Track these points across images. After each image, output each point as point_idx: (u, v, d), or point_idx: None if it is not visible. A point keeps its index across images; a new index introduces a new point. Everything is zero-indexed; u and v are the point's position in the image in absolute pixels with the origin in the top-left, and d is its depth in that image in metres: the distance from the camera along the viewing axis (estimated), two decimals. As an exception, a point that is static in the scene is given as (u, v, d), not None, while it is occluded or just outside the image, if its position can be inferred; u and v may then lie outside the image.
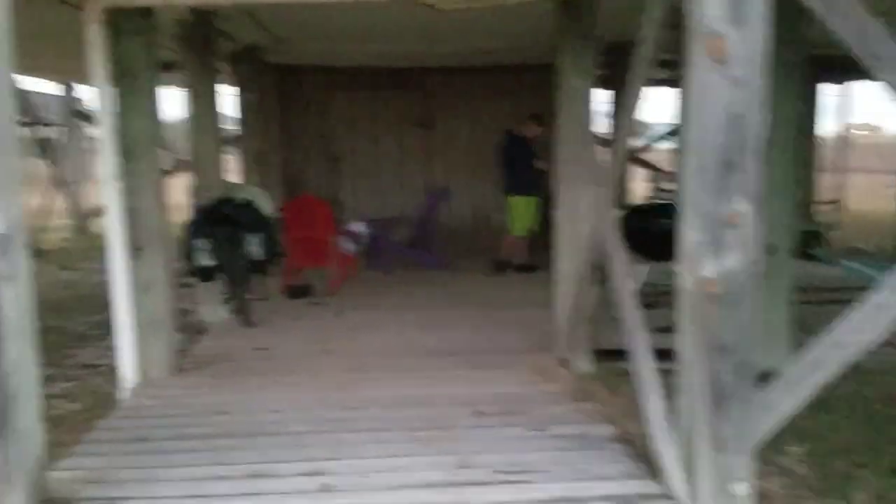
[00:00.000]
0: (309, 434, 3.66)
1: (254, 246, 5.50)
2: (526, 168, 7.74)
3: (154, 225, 4.40)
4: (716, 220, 2.86)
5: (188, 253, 5.39)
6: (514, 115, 9.61)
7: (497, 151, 8.01)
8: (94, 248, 9.15)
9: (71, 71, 10.14)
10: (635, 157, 10.89)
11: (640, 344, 3.48)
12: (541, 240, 7.93)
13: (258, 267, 5.60)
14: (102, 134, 4.22)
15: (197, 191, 5.93)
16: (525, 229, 7.84)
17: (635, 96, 3.74)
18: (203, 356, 5.00)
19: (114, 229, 4.27)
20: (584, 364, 4.77)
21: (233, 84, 7.81)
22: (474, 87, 9.88)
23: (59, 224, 13.37)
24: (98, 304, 5.44)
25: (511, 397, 4.19)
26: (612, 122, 8.63)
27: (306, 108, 9.71)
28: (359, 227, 7.43)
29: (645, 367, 3.42)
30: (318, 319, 5.99)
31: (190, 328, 5.93)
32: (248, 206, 5.74)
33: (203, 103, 5.87)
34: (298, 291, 6.78)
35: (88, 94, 12.73)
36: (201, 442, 3.55)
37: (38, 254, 10.33)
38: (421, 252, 8.39)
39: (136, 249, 4.33)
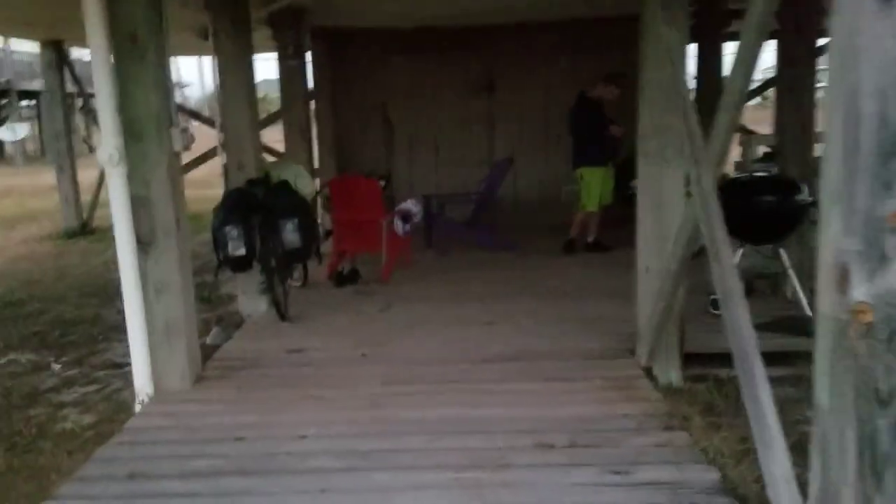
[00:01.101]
0: (334, 473, 3.03)
1: (289, 233, 4.89)
2: (598, 135, 6.85)
3: (167, 217, 3.82)
4: (873, 221, 2.00)
5: (219, 242, 4.84)
6: (591, 77, 8.70)
7: (568, 117, 7.12)
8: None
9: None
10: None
11: (749, 353, 2.67)
12: (615, 214, 7.10)
13: (295, 255, 5.00)
14: (101, 110, 3.64)
15: (230, 171, 5.36)
16: (597, 204, 6.98)
17: (753, 51, 2.85)
18: (230, 360, 4.45)
19: (119, 222, 3.72)
20: (674, 375, 3.98)
21: (275, 50, 7.19)
22: (545, 45, 8.95)
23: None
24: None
25: (584, 422, 3.45)
26: (697, 81, 7.57)
27: (357, 75, 9.03)
28: (411, 205, 6.73)
29: (758, 388, 2.61)
30: (363, 314, 5.36)
31: (228, 321, 5.43)
32: (283, 187, 5.13)
33: (235, 71, 5.25)
34: (345, 278, 6.18)
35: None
36: (206, 482, 2.97)
37: (87, 231, 10.17)
38: (481, 231, 7.64)
39: (145, 245, 3.77)
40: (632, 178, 7.33)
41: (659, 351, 4.04)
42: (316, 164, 8.25)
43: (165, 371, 3.89)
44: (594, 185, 6.93)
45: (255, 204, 4.93)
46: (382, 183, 7.84)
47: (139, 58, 3.67)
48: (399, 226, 6.64)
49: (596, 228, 7.12)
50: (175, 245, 3.85)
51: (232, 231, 4.80)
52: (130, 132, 3.70)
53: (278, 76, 7.08)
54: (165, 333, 3.87)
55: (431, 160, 9.20)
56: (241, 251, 4.83)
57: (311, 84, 8.17)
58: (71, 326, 5.73)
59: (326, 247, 6.71)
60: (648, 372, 4.05)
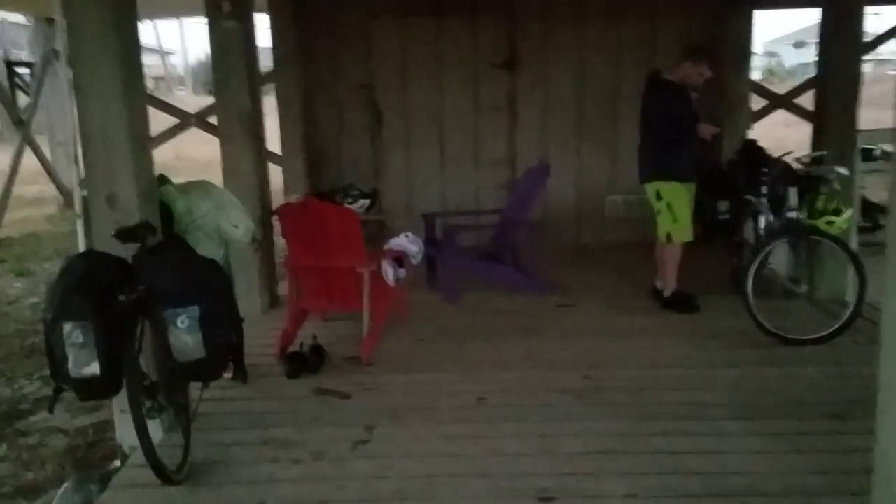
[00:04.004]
0: None
1: (181, 333, 2.66)
2: (686, 136, 4.62)
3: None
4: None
5: (53, 350, 2.62)
6: (651, 51, 6.47)
7: (643, 108, 4.85)
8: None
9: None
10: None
11: None
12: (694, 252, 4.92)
13: (193, 371, 2.76)
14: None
15: (92, 210, 3.12)
16: (690, 232, 4.77)
17: None
18: None
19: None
20: None
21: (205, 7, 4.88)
22: (585, 7, 6.66)
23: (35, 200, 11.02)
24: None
25: None
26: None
27: (333, 48, 6.71)
28: (407, 242, 4.50)
29: None
30: (323, 452, 3.11)
31: (96, 461, 3.25)
32: (174, 246, 2.91)
33: (97, 39, 2.99)
34: (301, 363, 3.95)
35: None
36: None
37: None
38: (509, 269, 5.40)
39: None
40: (720, 197, 5.16)
41: None
42: (275, 175, 6.00)
43: None
44: (681, 205, 4.70)
45: (120, 280, 2.71)
46: (365, 204, 5.61)
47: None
48: (390, 273, 4.40)
49: (677, 273, 4.89)
50: None
51: (75, 333, 2.58)
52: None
53: (209, 44, 4.79)
54: None
55: (434, 162, 6.91)
56: (94, 369, 2.61)
57: (266, 60, 5.90)
58: None
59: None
60: None
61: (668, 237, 4.76)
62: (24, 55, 13.93)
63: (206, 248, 3.41)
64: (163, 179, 3.55)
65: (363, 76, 6.77)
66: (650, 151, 4.77)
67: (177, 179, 3.68)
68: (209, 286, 2.76)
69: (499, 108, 6.83)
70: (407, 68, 6.78)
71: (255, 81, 4.93)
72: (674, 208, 4.68)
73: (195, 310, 2.67)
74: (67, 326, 2.57)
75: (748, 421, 3.24)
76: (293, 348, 4.09)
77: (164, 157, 10.38)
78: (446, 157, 6.89)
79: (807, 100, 8.31)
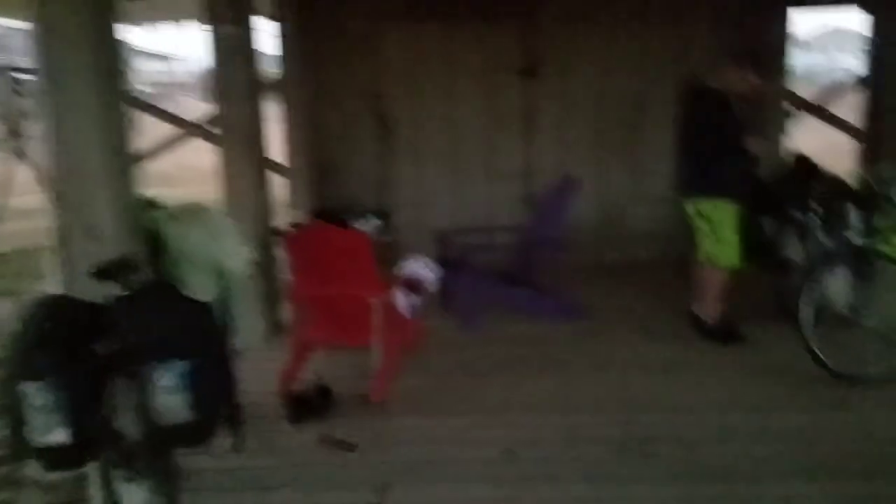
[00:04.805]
0: None
1: (166, 392, 2.24)
2: (732, 149, 4.18)
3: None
4: None
5: (14, 413, 2.21)
6: (677, 58, 6.05)
7: (690, 119, 4.41)
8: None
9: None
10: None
11: None
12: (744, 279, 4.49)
13: (179, 436, 2.35)
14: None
15: (66, 241, 2.72)
16: (737, 257, 4.32)
17: None
18: None
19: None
20: None
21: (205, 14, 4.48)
22: (606, 12, 6.25)
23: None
24: None
25: None
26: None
27: (340, 56, 6.31)
28: (422, 268, 4.08)
29: None
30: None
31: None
32: (159, 292, 2.49)
33: (74, 47, 2.58)
34: (307, 406, 3.53)
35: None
36: None
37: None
38: (531, 292, 4.97)
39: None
40: (765, 214, 4.71)
41: None
42: (281, 188, 5.60)
43: None
44: (727, 226, 4.26)
45: (92, 329, 2.30)
46: (378, 225, 5.20)
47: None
48: (403, 302, 3.98)
49: (720, 302, 4.45)
50: None
51: (36, 394, 2.17)
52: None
53: (212, 52, 4.39)
54: None
55: (447, 176, 6.49)
56: (60, 436, 2.20)
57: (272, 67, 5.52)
58: None
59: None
60: None
61: (710, 261, 4.31)
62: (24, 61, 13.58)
63: (199, 283, 3.00)
64: (149, 204, 3.15)
65: (372, 85, 6.37)
66: (692, 165, 4.33)
67: (177, 191, 3.29)
68: (199, 336, 2.34)
69: (515, 118, 6.41)
70: (418, 77, 6.38)
71: (255, 90, 4.53)
72: (718, 229, 4.24)
73: (181, 365, 2.25)
74: (28, 387, 2.16)
75: (824, 482, 2.80)
76: (297, 388, 3.67)
77: (163, 167, 10.01)
78: (459, 169, 6.47)
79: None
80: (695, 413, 3.47)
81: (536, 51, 6.32)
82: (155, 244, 3.00)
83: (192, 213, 3.23)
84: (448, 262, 5.04)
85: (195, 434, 2.35)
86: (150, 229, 3.01)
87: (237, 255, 3.21)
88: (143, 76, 32.16)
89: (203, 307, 2.47)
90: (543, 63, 6.33)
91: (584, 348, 4.40)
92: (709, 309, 4.46)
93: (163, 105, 9.67)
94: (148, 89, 30.48)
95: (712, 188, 4.23)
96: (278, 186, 6.52)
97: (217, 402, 2.42)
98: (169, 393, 2.24)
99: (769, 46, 6.15)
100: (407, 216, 6.30)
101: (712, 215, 4.24)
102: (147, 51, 30.80)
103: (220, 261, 3.13)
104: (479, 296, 4.91)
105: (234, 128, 4.40)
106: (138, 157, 7.30)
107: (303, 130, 6.16)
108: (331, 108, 6.36)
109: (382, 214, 5.01)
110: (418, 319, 4.15)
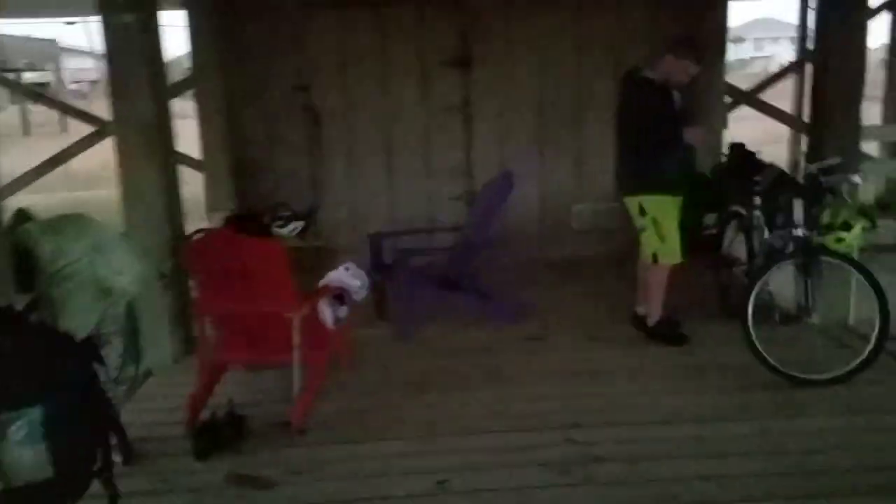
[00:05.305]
0: None
1: (19, 446, 1.86)
2: (672, 142, 3.96)
3: None
4: None
5: None
6: (620, 46, 5.84)
7: (621, 110, 4.17)
8: None
9: None
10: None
11: None
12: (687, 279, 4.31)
13: (35, 496, 1.96)
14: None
15: None
16: (680, 252, 4.12)
17: None
18: None
19: None
20: None
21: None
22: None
23: None
24: None
25: None
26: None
27: (262, 45, 5.89)
28: (348, 276, 3.73)
29: None
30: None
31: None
32: (7, 320, 2.10)
33: None
34: (212, 437, 3.16)
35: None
36: None
37: None
38: (471, 296, 4.68)
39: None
40: (706, 209, 4.54)
41: None
42: (193, 191, 5.16)
43: None
44: (669, 221, 4.04)
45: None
46: (298, 228, 4.82)
47: None
48: (328, 314, 3.64)
49: (664, 301, 4.24)
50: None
51: None
52: None
53: (104, 43, 3.94)
54: None
55: (381, 173, 6.15)
56: None
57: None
58: None
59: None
60: None
61: (654, 258, 4.10)
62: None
63: (81, 306, 2.62)
64: (21, 216, 2.74)
65: (298, 77, 5.96)
66: (631, 160, 4.10)
67: (104, 191, 2.87)
68: (58, 377, 1.97)
69: (452, 111, 6.11)
70: (347, 67, 6.01)
71: (159, 85, 4.09)
72: (661, 225, 4.02)
73: (36, 412, 1.88)
74: None
75: (787, 500, 2.60)
76: (205, 416, 3.29)
77: (87, 166, 9.36)
78: (395, 166, 6.14)
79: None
80: (643, 426, 3.23)
81: (472, 41, 6.02)
82: (27, 262, 2.60)
83: (73, 224, 2.83)
84: (382, 266, 4.74)
85: (58, 493, 1.98)
86: (22, 244, 2.61)
87: (128, 271, 2.82)
88: (69, 74, 30.75)
89: (67, 341, 2.09)
90: (480, 54, 6.05)
91: (527, 356, 4.13)
92: (652, 308, 4.25)
93: (88, 102, 9.04)
94: (73, 87, 29.13)
95: (653, 184, 4.01)
96: (198, 187, 6.11)
97: (85, 454, 2.04)
98: (20, 446, 1.87)
99: (707, 36, 6.01)
100: (339, 217, 5.93)
101: (654, 212, 4.02)
102: (75, 48, 29.42)
103: (106, 279, 2.75)
104: (416, 302, 4.60)
105: (133, 125, 3.96)
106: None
107: (221, 126, 5.73)
108: (252, 101, 5.93)
109: (308, 216, 4.65)
110: (345, 332, 3.82)
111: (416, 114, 6.09)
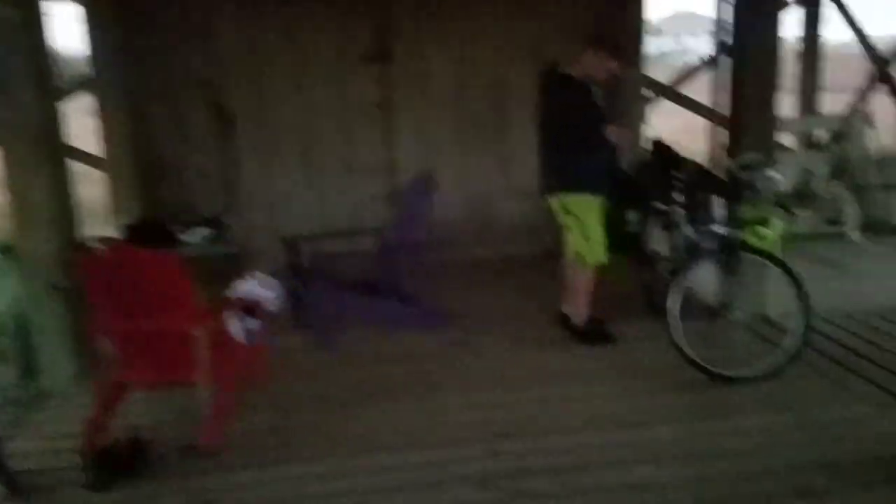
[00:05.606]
0: None
1: None
2: (595, 141, 3.89)
3: None
4: None
5: None
6: (542, 40, 5.77)
7: (543, 108, 4.07)
8: None
9: None
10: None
11: None
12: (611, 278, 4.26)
13: None
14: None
15: None
16: (604, 253, 4.05)
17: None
18: None
19: None
20: None
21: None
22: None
23: None
24: None
25: None
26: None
27: (164, 38, 5.53)
28: (259, 287, 3.50)
29: None
30: None
31: None
32: None
33: None
34: (114, 463, 2.89)
35: None
36: None
37: None
38: (394, 302, 4.50)
39: None
40: (629, 206, 4.52)
41: None
42: (100, 199, 4.80)
43: None
44: (593, 221, 3.98)
45: None
46: (205, 234, 4.53)
47: None
48: (237, 328, 3.40)
49: (589, 301, 4.18)
50: None
51: None
52: None
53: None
54: None
55: (300, 175, 5.88)
56: None
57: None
58: None
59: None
60: None
61: (579, 257, 4.03)
62: None
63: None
64: None
65: (208, 73, 5.64)
66: (554, 159, 4.01)
67: None
68: None
69: (373, 108, 5.90)
70: (260, 61, 5.71)
71: (46, 84, 3.74)
72: (585, 224, 3.95)
73: None
74: None
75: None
76: (104, 442, 3.01)
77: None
78: (313, 166, 5.89)
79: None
80: (573, 433, 3.14)
81: (390, 36, 5.83)
82: None
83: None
84: (300, 272, 4.51)
85: None
86: None
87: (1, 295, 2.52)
88: None
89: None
90: (400, 49, 5.86)
91: (452, 363, 3.99)
92: (578, 309, 4.19)
93: None
94: None
95: (575, 183, 3.93)
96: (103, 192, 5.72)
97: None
98: None
99: (625, 31, 6.01)
100: (254, 221, 5.64)
101: (577, 211, 3.95)
102: None
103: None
104: (336, 309, 4.39)
105: (17, 127, 3.60)
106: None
107: (124, 125, 5.36)
108: (158, 100, 5.58)
109: (217, 222, 4.36)
110: (258, 346, 3.58)
111: (334, 111, 5.85)
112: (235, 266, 4.34)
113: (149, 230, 4.22)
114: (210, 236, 4.25)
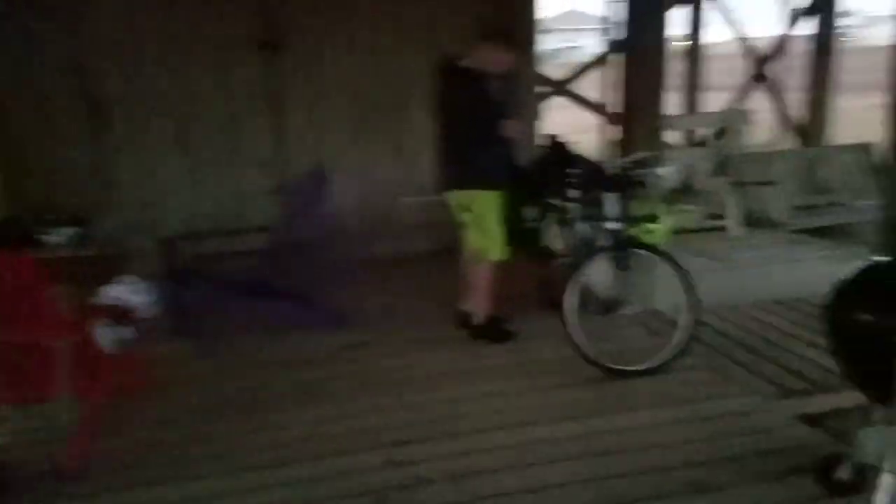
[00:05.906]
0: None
1: None
2: (493, 135, 3.82)
3: None
4: None
5: None
6: (440, 30, 5.66)
7: (442, 102, 3.95)
8: None
9: None
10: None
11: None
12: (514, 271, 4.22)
13: None
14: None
15: None
16: (503, 249, 3.99)
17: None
18: None
19: None
20: None
21: None
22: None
23: None
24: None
25: None
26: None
27: (31, 17, 5.02)
28: (131, 291, 3.20)
29: None
30: None
31: None
32: None
33: None
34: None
35: None
36: None
37: None
38: (284, 302, 4.27)
39: None
40: (525, 202, 4.50)
41: None
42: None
43: None
44: (492, 217, 3.91)
45: None
46: (69, 235, 4.14)
47: None
48: (106, 337, 3.09)
49: (489, 298, 4.11)
50: None
51: None
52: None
53: None
54: None
55: (178, 167, 5.51)
56: None
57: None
58: None
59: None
60: None
61: (479, 254, 3.95)
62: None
63: None
64: None
65: (76, 59, 5.16)
66: (451, 154, 3.91)
67: None
68: None
69: (260, 99, 5.61)
70: (137, 49, 5.30)
71: None
72: (484, 221, 3.88)
73: None
74: None
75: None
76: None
77: None
78: (194, 160, 5.52)
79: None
80: (472, 435, 3.05)
81: (278, 22, 5.56)
82: None
83: None
84: (178, 274, 4.19)
85: None
86: None
87: None
88: None
89: None
90: (289, 37, 5.60)
91: (349, 366, 3.83)
92: (478, 306, 4.12)
93: None
94: None
95: (474, 179, 3.85)
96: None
97: None
98: None
99: (518, 26, 6.00)
100: (130, 220, 5.22)
101: (476, 207, 3.87)
102: None
103: None
104: (220, 312, 4.10)
105: None
106: None
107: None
108: (17, 89, 5.05)
109: (82, 221, 3.98)
110: (131, 356, 3.27)
111: (216, 101, 5.52)
112: (106, 269, 3.97)
113: (3, 230, 3.79)
114: (77, 236, 3.86)
